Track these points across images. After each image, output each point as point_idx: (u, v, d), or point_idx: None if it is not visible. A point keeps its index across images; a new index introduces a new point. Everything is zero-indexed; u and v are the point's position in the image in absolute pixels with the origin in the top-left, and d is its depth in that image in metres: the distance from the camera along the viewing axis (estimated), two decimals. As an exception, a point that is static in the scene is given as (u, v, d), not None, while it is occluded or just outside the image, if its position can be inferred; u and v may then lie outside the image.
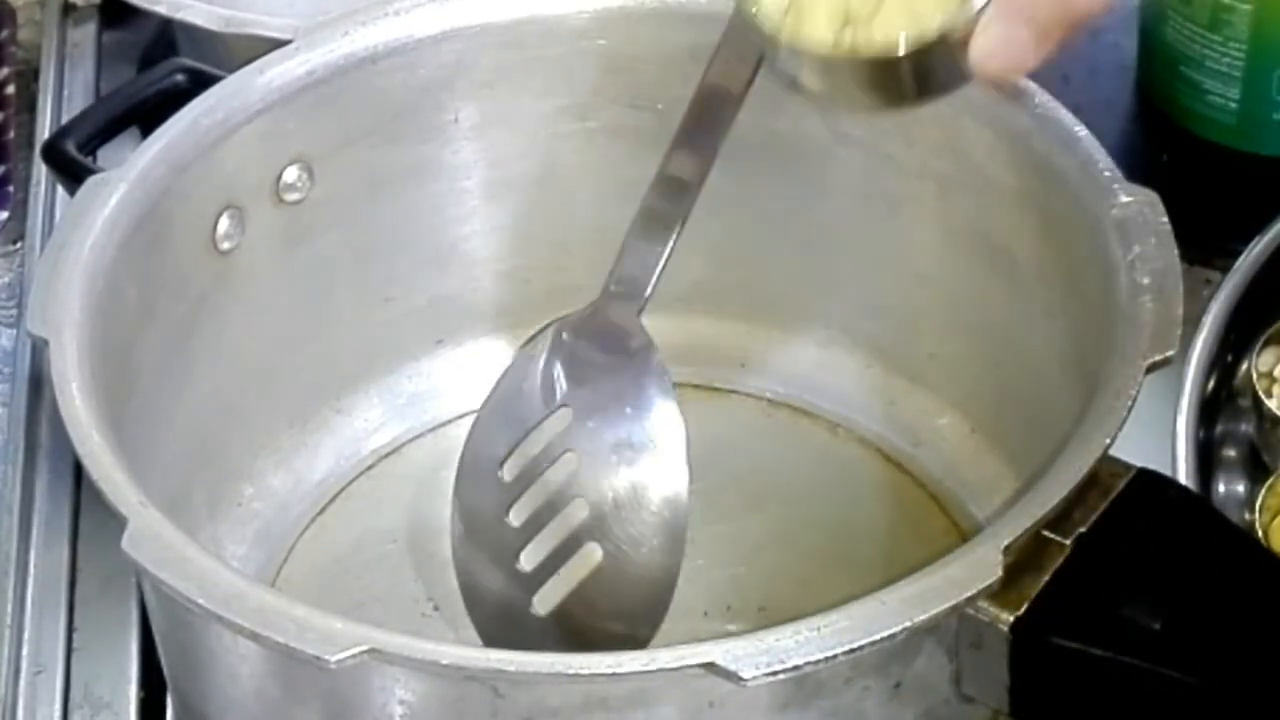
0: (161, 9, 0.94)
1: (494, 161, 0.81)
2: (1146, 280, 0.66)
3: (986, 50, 0.64)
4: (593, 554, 0.71)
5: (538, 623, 0.71)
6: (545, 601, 0.72)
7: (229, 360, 0.77)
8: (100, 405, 0.65)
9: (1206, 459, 0.77)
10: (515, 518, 0.72)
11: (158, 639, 0.72)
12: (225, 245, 0.76)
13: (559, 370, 0.73)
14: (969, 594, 0.58)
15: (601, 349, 0.73)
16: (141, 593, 0.76)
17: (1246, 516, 0.76)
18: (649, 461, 0.72)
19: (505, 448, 0.73)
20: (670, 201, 0.73)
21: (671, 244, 0.72)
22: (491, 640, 0.72)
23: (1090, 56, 0.97)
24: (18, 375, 0.88)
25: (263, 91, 0.76)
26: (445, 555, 0.75)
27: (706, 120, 0.73)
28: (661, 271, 0.73)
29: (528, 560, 0.72)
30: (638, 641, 0.69)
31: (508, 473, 0.73)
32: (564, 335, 0.74)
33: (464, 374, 0.83)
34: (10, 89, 1.05)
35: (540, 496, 0.72)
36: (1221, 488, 0.78)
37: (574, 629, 0.71)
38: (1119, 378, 0.64)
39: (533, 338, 0.74)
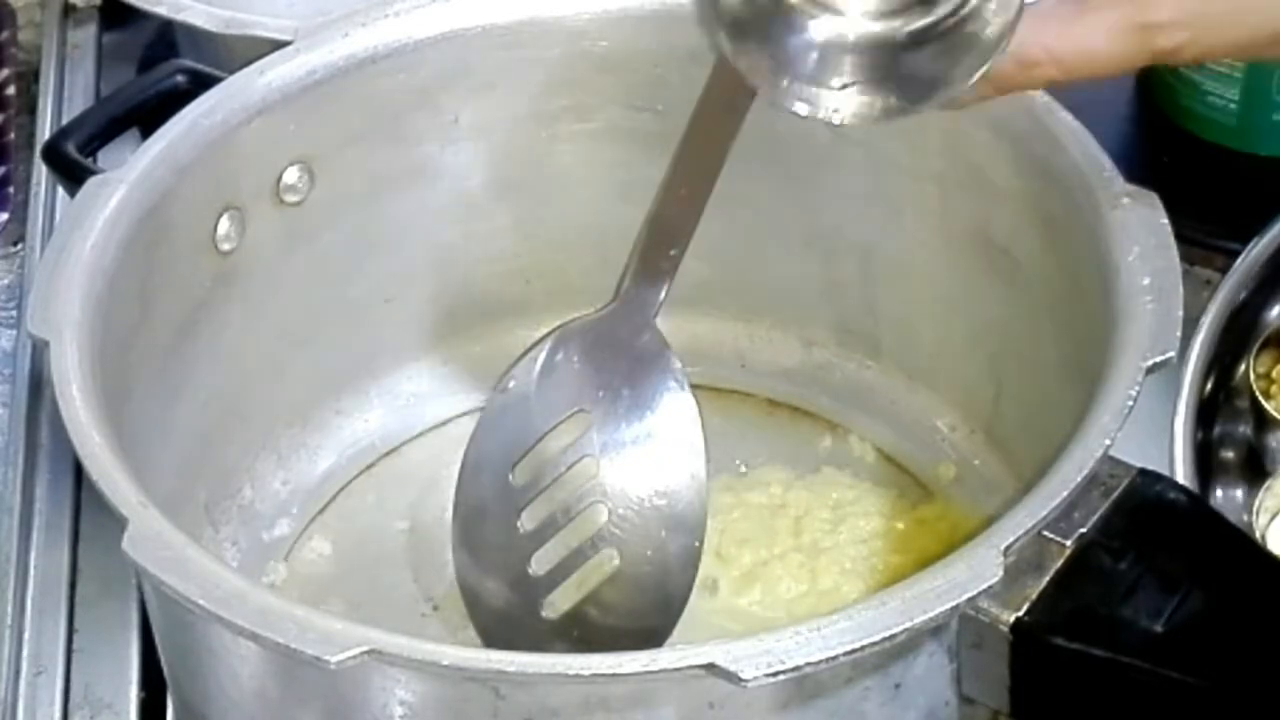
0: (162, 10, 0.94)
1: (494, 161, 0.81)
2: (1146, 280, 0.66)
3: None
4: (610, 559, 0.71)
5: (545, 625, 0.71)
6: (556, 605, 0.72)
7: (229, 360, 0.77)
8: (100, 405, 0.65)
9: (1205, 461, 0.77)
10: (528, 521, 0.72)
11: (158, 639, 0.72)
12: (225, 246, 0.76)
13: (572, 375, 0.73)
14: (970, 594, 0.58)
15: (617, 354, 0.73)
16: (141, 593, 0.76)
17: (1244, 519, 0.76)
18: (669, 467, 0.72)
19: (516, 451, 0.72)
20: (681, 205, 0.73)
21: (685, 247, 0.72)
22: (494, 641, 0.72)
23: (1090, 57, 0.97)
24: (18, 376, 0.88)
25: (263, 92, 0.76)
26: (445, 555, 0.74)
27: (713, 124, 0.73)
28: (675, 276, 0.72)
29: (539, 564, 0.72)
30: (653, 643, 0.69)
31: (519, 476, 0.72)
32: (576, 339, 0.73)
33: (464, 374, 0.83)
34: (10, 90, 1.05)
35: (555, 500, 0.72)
36: (1219, 490, 0.78)
37: (584, 632, 0.71)
38: (1119, 378, 0.63)
39: (539, 341, 0.73)
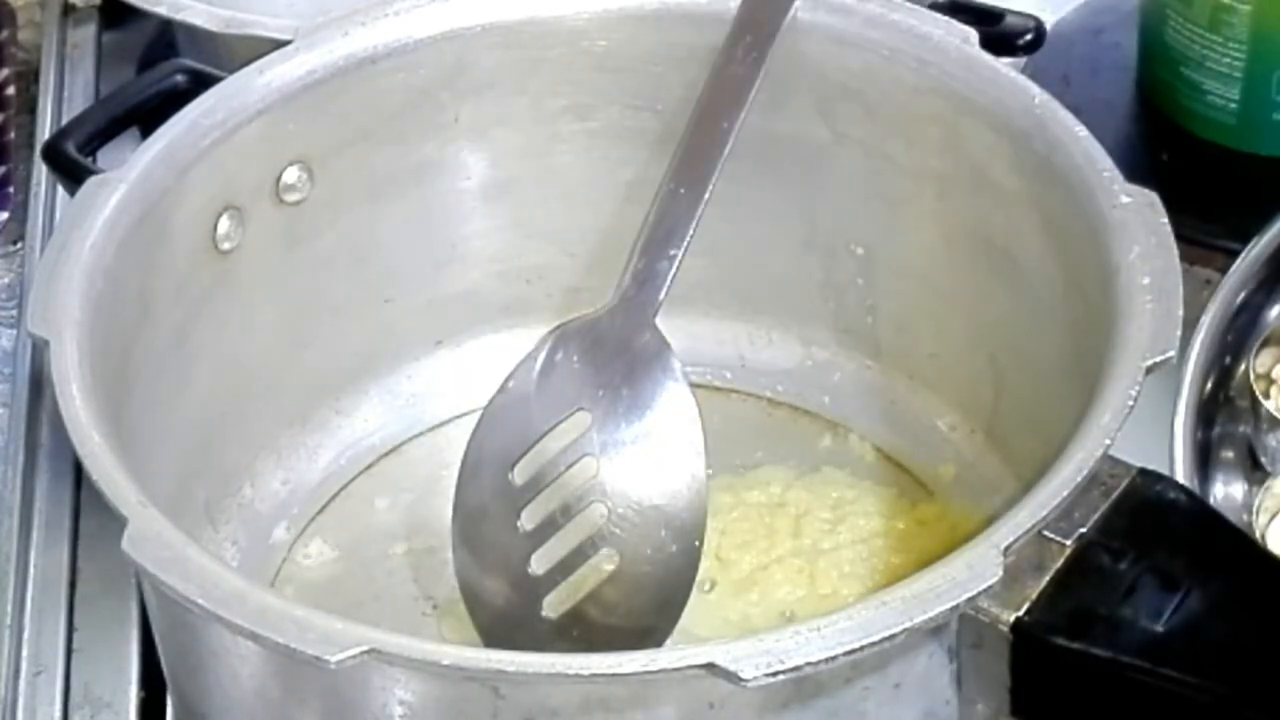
0: (162, 10, 0.94)
1: (494, 161, 0.81)
2: (1146, 280, 0.66)
3: None
4: (609, 558, 0.71)
5: (545, 625, 0.71)
6: (556, 605, 0.71)
7: (229, 360, 0.77)
8: (100, 405, 0.65)
9: (1204, 460, 0.77)
10: (528, 521, 0.72)
11: (158, 639, 0.72)
12: (225, 245, 0.76)
13: (572, 375, 0.73)
14: (970, 594, 0.58)
15: (617, 353, 0.73)
16: (141, 593, 0.76)
17: (1244, 518, 0.76)
18: (669, 467, 0.72)
19: (515, 451, 0.72)
20: (680, 205, 0.73)
21: (684, 247, 0.72)
22: (494, 641, 0.72)
23: (1090, 56, 0.97)
24: (18, 375, 0.88)
25: (263, 92, 0.76)
26: (445, 555, 0.74)
27: (713, 123, 0.73)
28: (675, 275, 0.72)
29: (539, 564, 0.72)
30: (652, 643, 0.69)
31: (519, 476, 0.72)
32: (575, 339, 0.73)
33: (464, 374, 0.83)
34: (10, 90, 1.05)
35: (555, 500, 0.72)
36: (1219, 489, 0.78)
37: (584, 632, 0.71)
38: (1119, 378, 0.63)
39: (541, 341, 0.73)
